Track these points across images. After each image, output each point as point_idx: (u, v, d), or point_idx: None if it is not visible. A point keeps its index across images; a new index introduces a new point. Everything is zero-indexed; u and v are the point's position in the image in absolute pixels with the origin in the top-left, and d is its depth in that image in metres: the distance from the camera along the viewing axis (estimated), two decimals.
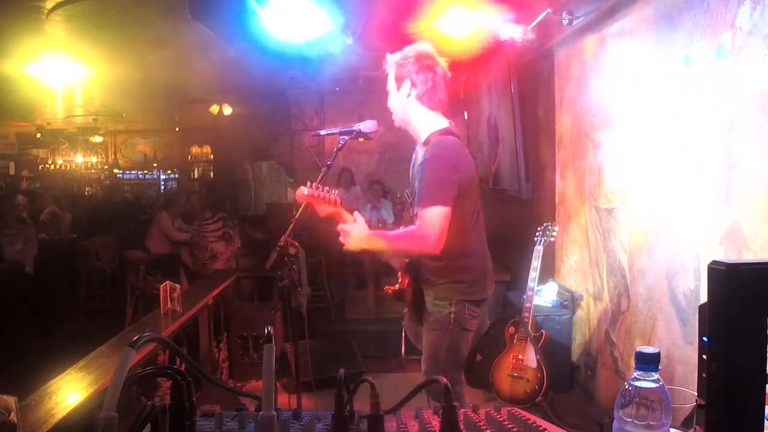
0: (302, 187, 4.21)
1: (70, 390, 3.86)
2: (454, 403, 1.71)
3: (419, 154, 4.49)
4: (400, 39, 7.47)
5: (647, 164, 5.49)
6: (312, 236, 10.77)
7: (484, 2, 7.08)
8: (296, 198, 4.26)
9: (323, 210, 4.24)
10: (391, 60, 4.64)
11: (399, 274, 4.82)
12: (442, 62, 4.55)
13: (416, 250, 4.28)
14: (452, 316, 4.44)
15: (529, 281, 6.67)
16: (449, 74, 4.56)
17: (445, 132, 4.44)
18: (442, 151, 4.31)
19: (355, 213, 4.28)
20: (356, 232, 4.19)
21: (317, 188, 4.22)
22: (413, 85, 4.50)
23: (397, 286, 4.80)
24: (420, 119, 4.54)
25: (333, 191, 4.25)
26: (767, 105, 3.86)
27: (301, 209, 4.39)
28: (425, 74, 4.49)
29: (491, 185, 10.33)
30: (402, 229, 4.36)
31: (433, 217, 4.09)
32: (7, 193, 15.54)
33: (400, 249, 4.37)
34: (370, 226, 4.32)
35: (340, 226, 4.23)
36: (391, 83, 4.65)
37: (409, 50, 4.60)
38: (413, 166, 4.63)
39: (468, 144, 11.98)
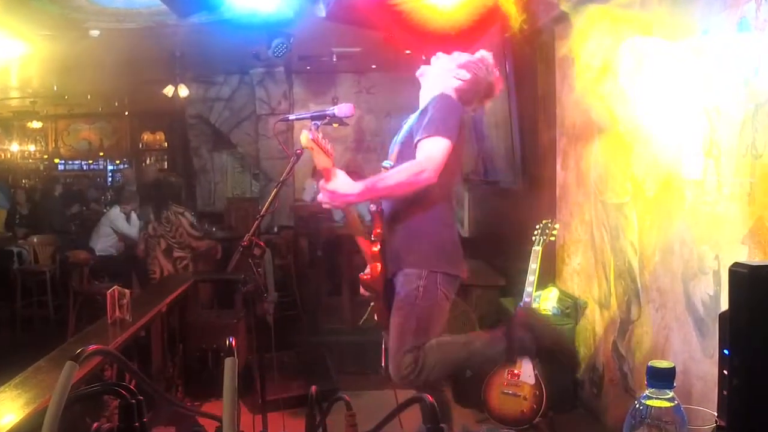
0: (305, 131, 4.39)
1: (4, 410, 3.84)
2: (441, 425, 1.71)
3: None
4: (379, 11, 7.48)
5: (660, 153, 5.50)
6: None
7: None
8: (301, 141, 4.41)
9: (321, 162, 4.45)
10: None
11: (369, 262, 4.92)
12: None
13: (415, 185, 4.43)
14: (421, 290, 4.65)
15: (526, 286, 6.67)
16: None
17: None
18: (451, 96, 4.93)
19: (337, 170, 4.52)
20: (344, 187, 4.45)
21: (321, 137, 4.46)
22: None
23: (367, 273, 4.93)
24: None
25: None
26: None
27: (288, 170, 4.57)
28: None
29: (481, 176, 10.34)
30: (397, 169, 4.58)
31: (437, 147, 4.46)
32: None
33: (396, 184, 4.47)
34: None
35: (325, 185, 4.46)
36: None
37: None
38: (401, 130, 5.06)
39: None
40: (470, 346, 4.90)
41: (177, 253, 9.94)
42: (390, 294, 4.86)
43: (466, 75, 4.98)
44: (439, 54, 5.16)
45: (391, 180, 4.45)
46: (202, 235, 10.43)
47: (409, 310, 4.68)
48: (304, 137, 4.35)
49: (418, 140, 4.54)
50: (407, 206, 4.70)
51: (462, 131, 4.70)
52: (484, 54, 5.12)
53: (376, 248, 4.79)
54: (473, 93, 5.06)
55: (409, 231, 4.76)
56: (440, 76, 5.04)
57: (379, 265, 4.80)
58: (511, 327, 4.98)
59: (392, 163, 4.81)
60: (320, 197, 4.52)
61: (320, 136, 4.44)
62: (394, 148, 5.02)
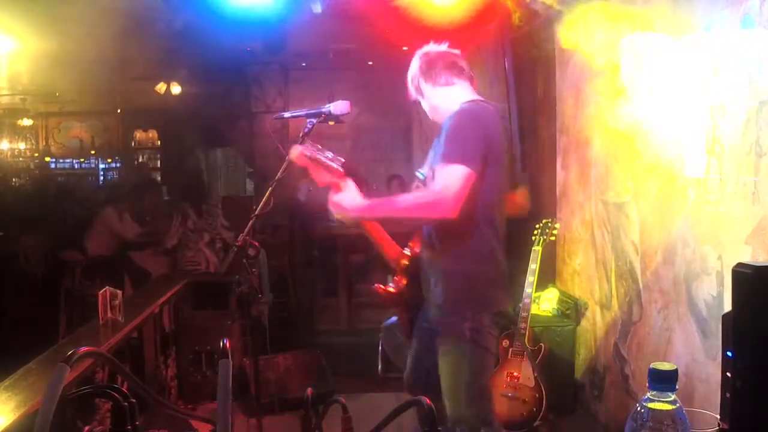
0: (297, 146, 4.28)
1: None
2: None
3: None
4: (375, 6, 7.47)
5: (662, 151, 5.50)
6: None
7: None
8: (291, 159, 4.31)
9: (322, 178, 4.28)
10: None
11: (396, 273, 4.79)
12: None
13: (428, 216, 4.24)
14: (468, 333, 4.32)
15: (525, 287, 6.67)
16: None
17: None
18: (471, 109, 4.45)
19: (348, 181, 4.27)
20: (349, 202, 4.22)
21: (318, 150, 4.27)
22: None
23: (391, 287, 4.75)
24: None
25: (334, 157, 4.30)
26: None
27: (283, 169, 4.49)
28: None
29: None
30: (412, 194, 4.38)
31: (453, 176, 4.09)
32: None
33: (408, 215, 4.31)
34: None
35: (332, 198, 4.25)
36: None
37: None
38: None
39: None
40: None
41: (220, 245, 10.12)
42: (415, 309, 4.71)
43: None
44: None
45: (401, 205, 4.29)
46: (229, 225, 10.70)
47: (459, 361, 4.37)
48: (298, 154, 4.27)
49: (436, 167, 4.29)
50: (445, 237, 4.41)
51: (493, 152, 4.30)
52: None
53: (407, 263, 4.68)
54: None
55: (448, 267, 4.42)
56: (433, 88, 4.69)
57: (405, 281, 4.67)
58: None
59: (425, 174, 4.65)
60: (331, 210, 4.32)
61: (316, 150, 4.29)
62: (428, 161, 4.75)
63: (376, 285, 4.84)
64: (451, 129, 4.29)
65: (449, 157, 4.15)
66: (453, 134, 4.27)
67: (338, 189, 4.24)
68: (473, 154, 4.16)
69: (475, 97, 4.62)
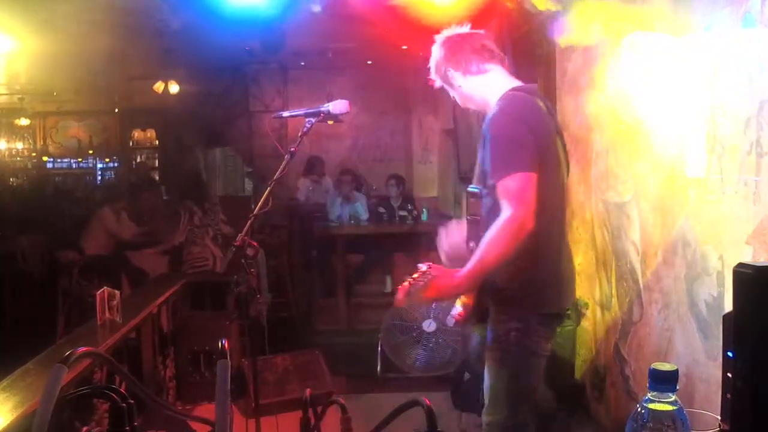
0: (401, 292, 4.01)
1: None
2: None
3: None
4: (374, 5, 7.47)
5: (663, 150, 5.49)
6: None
7: None
8: (398, 304, 4.11)
9: (428, 297, 4.13)
10: None
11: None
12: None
13: (517, 239, 3.91)
14: (513, 334, 4.19)
15: None
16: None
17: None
18: (508, 109, 4.26)
19: (429, 273, 4.02)
20: (448, 286, 4.04)
21: (412, 281, 3.98)
22: None
23: (455, 314, 4.49)
24: None
25: (425, 267, 4.04)
26: None
27: (282, 168, 4.46)
28: None
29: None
30: (491, 231, 4.02)
31: (517, 188, 3.92)
32: None
33: (503, 252, 3.95)
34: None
35: (432, 296, 4.14)
36: None
37: None
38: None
39: (455, 128, 11.96)
40: None
41: (221, 240, 10.26)
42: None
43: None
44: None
45: (491, 249, 3.93)
46: (227, 220, 10.88)
47: (501, 360, 4.29)
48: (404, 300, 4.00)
49: (493, 184, 4.06)
50: None
51: (543, 143, 4.15)
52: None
53: None
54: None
55: (505, 268, 4.12)
56: (465, 78, 4.50)
57: (470, 299, 4.38)
58: None
59: (478, 188, 4.36)
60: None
61: (412, 280, 3.97)
62: (476, 174, 4.49)
63: (453, 316, 4.52)
64: (495, 138, 4.11)
65: (504, 168, 3.99)
66: (498, 143, 4.09)
67: (432, 283, 3.98)
68: (527, 156, 4.00)
69: (512, 83, 4.49)
